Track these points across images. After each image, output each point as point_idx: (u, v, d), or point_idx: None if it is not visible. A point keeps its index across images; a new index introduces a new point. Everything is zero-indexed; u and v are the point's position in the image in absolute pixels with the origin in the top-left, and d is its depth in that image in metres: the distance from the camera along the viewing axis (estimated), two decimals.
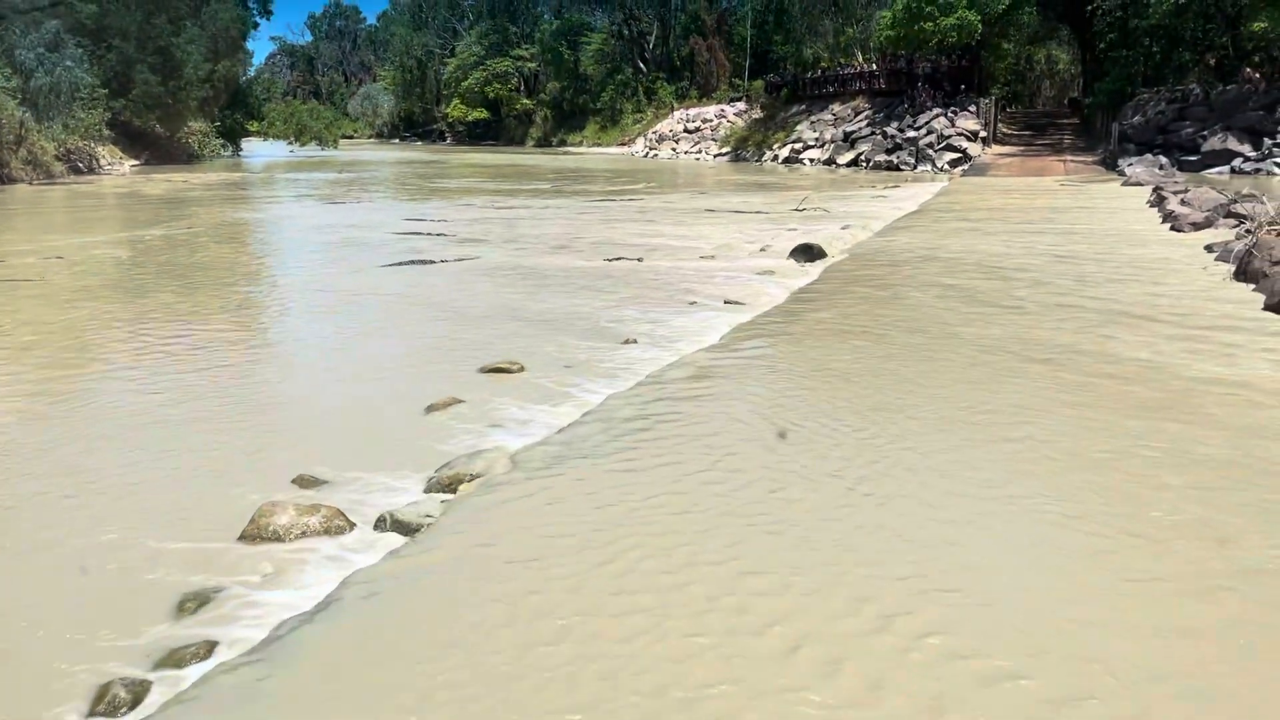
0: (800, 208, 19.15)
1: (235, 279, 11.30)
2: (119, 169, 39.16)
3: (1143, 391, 5.77)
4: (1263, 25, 28.17)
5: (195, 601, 3.47)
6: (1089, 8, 35.73)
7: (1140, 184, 22.29)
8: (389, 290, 10.32)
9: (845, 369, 6.36)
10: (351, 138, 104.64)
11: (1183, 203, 15.65)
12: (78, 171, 35.58)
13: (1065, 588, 3.34)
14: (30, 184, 30.06)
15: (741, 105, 52.66)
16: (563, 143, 75.38)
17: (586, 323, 8.36)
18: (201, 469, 4.82)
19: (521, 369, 6.69)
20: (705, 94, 62.93)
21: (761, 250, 12.92)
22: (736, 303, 9.21)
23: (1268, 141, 26.86)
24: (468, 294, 10.06)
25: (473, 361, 6.96)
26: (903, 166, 35.26)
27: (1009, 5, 36.32)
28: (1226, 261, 10.44)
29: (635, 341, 7.55)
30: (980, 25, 35.99)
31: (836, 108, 42.76)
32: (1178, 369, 6.22)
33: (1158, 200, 17.18)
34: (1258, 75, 28.97)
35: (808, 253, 11.84)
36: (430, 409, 5.75)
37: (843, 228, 15.33)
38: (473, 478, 4.46)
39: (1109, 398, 5.63)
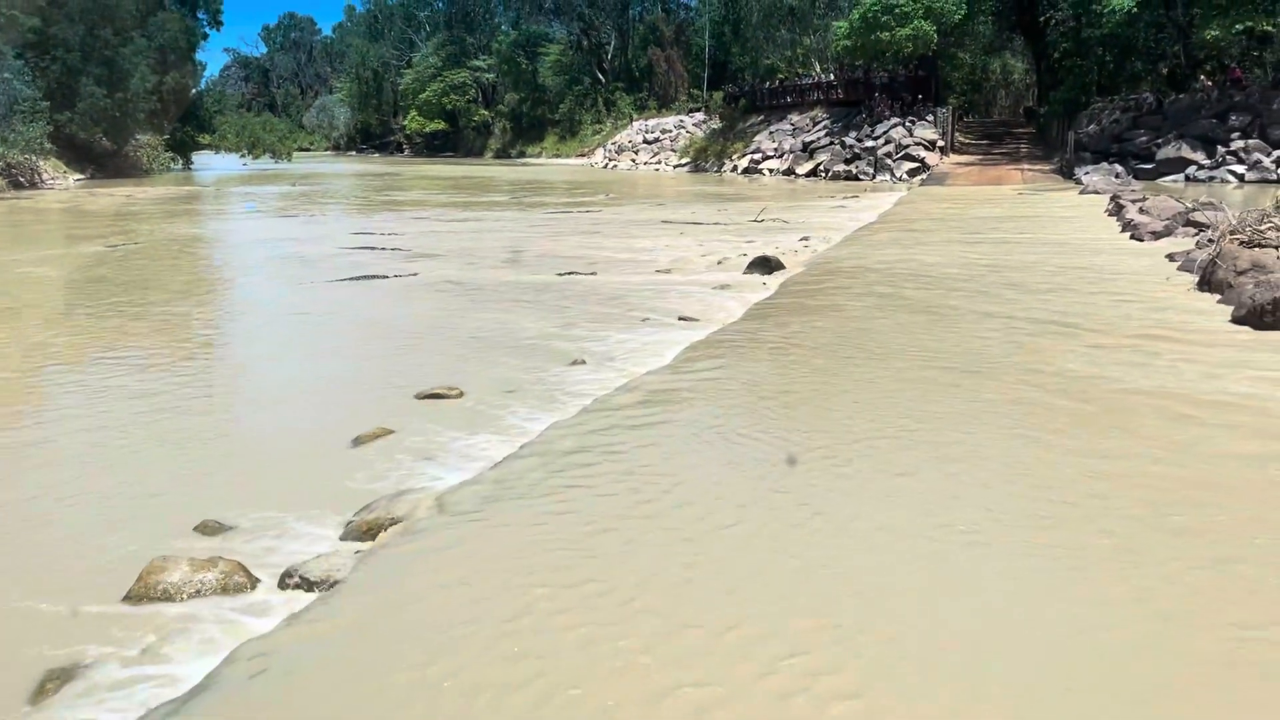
0: (759, 219, 18.87)
1: (165, 298, 10.75)
2: (62, 184, 38.12)
3: (1128, 416, 5.45)
4: (1214, 34, 28.40)
5: (58, 680, 3.01)
6: (1042, 18, 36.00)
7: (1098, 192, 22.27)
8: (328, 308, 9.85)
9: (802, 393, 6.00)
10: (308, 150, 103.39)
11: (1142, 211, 15.54)
12: (18, 186, 34.54)
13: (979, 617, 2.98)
14: None
15: (700, 116, 52.51)
16: (522, 154, 74.84)
17: (534, 342, 7.95)
18: (93, 514, 4.35)
19: (460, 394, 6.26)
20: (664, 105, 62.73)
21: (719, 264, 12.58)
22: (691, 319, 8.84)
23: (1221, 149, 27.04)
24: (410, 312, 9.61)
25: (410, 386, 6.52)
26: (862, 176, 35.20)
27: (964, 15, 36.46)
28: (1190, 271, 10.24)
29: (584, 362, 7.15)
30: (936, 35, 36.09)
31: (795, 118, 42.70)
32: (1161, 389, 5.92)
33: (1116, 209, 17.08)
34: (1210, 84, 29.22)
35: (765, 266, 11.51)
36: (358, 441, 5.31)
37: (801, 239, 15.05)
38: (393, 522, 4.03)
39: (1087, 422, 5.31)
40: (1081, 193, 23.14)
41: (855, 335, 7.68)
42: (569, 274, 11.86)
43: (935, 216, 19.01)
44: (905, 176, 33.88)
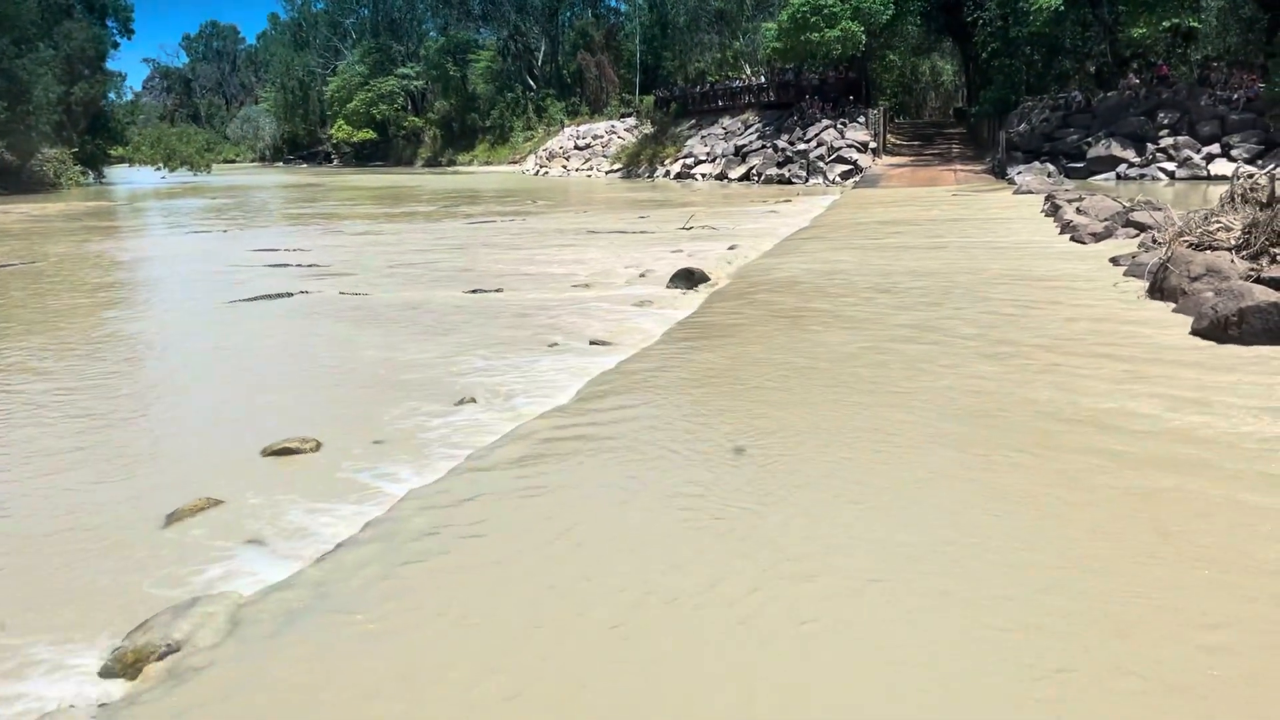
0: (687, 227, 18.07)
1: (11, 326, 9.56)
2: None
3: (1085, 457, 4.67)
4: (1141, 31, 28.35)
5: None
6: (970, 18, 35.81)
7: (1031, 192, 21.87)
8: (194, 337, 8.77)
9: (715, 438, 5.12)
10: (233, 162, 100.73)
11: (1079, 212, 15.02)
12: None
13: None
14: None
15: (632, 121, 51.69)
16: (452, 162, 73.41)
17: (422, 375, 6.99)
18: None
19: (316, 447, 5.28)
20: (596, 110, 61.87)
21: (641, 276, 11.71)
22: (603, 343, 7.94)
23: (1150, 147, 26.93)
24: (284, 340, 8.58)
25: (261, 435, 5.53)
26: (794, 180, 34.65)
27: (891, 17, 36.14)
28: (1137, 276, 9.61)
29: (473, 400, 6.20)
30: (864, 36, 35.72)
31: (726, 121, 42.10)
32: (1123, 417, 5.16)
33: (1053, 209, 16.57)
34: (1138, 81, 29.15)
35: (689, 279, 10.66)
36: (172, 518, 4.31)
37: (729, 248, 14.25)
38: (169, 650, 3.06)
39: (1058, 465, 4.51)
40: (1015, 193, 22.73)
41: (779, 362, 6.84)
42: (476, 291, 10.89)
43: (868, 221, 18.37)
44: (838, 179, 33.39)
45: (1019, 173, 26.71)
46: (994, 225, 16.19)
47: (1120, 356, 6.56)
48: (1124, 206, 14.57)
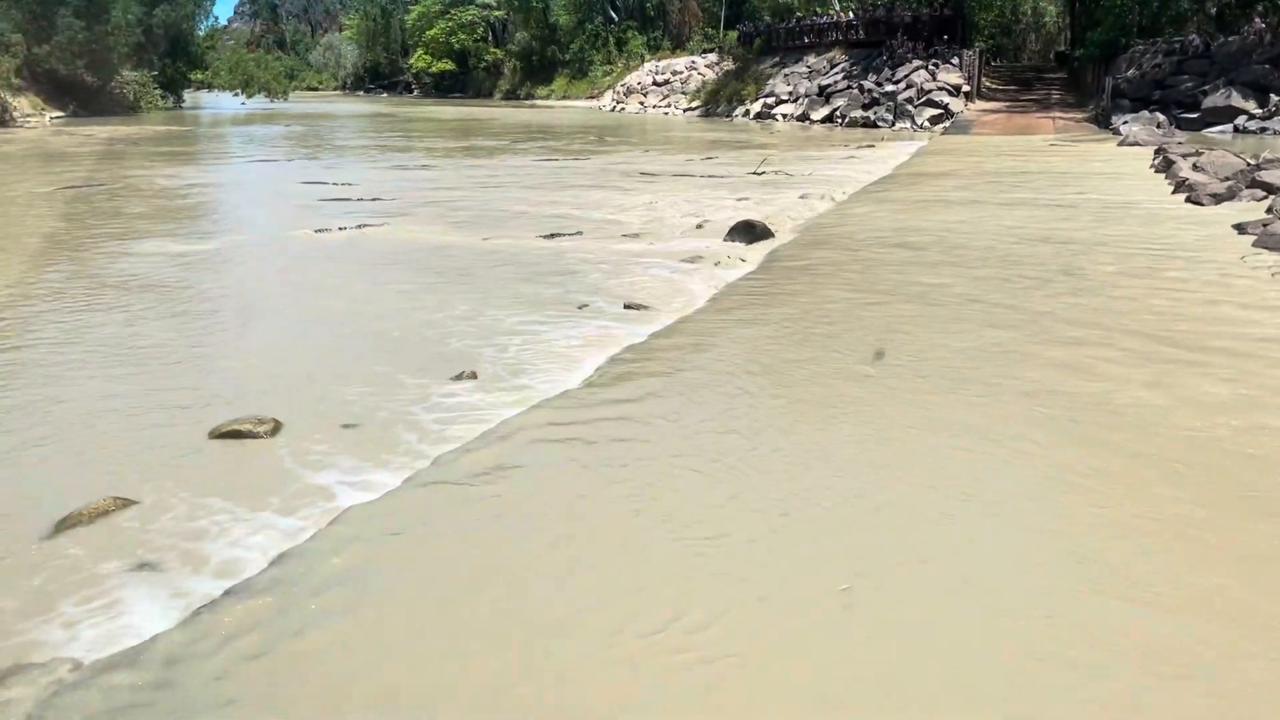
0: (759, 171, 16.85)
1: (31, 258, 8.92)
2: (36, 121, 36.25)
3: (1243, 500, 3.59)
4: None
5: None
6: None
7: (1139, 144, 20.09)
8: (198, 277, 8.00)
9: (739, 450, 4.14)
10: (316, 90, 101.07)
11: (1196, 168, 13.46)
12: None
13: None
14: None
15: (713, 57, 49.87)
16: (530, 95, 72.28)
17: (429, 336, 6.12)
18: None
19: (274, 430, 4.44)
20: (678, 45, 60.00)
21: (698, 227, 10.65)
22: (640, 306, 6.97)
23: (1275, 98, 24.62)
24: (299, 286, 7.79)
25: (220, 406, 4.74)
26: (880, 123, 32.84)
27: None
28: (1270, 249, 8.28)
29: (473, 376, 5.30)
30: None
31: (812, 60, 40.17)
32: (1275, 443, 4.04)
33: (1164, 165, 14.96)
34: (1263, 25, 26.67)
35: (749, 233, 9.58)
36: (63, 525, 3.50)
37: (801, 196, 13.06)
38: None
39: (1180, 505, 3.45)
40: (1120, 144, 20.95)
41: (839, 343, 5.80)
42: (515, 238, 9.97)
43: (957, 171, 16.93)
44: (927, 124, 31.52)
45: (1125, 122, 24.70)
46: (1096, 180, 14.67)
47: (1254, 355, 5.37)
48: (1248, 164, 12.98)
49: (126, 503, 3.67)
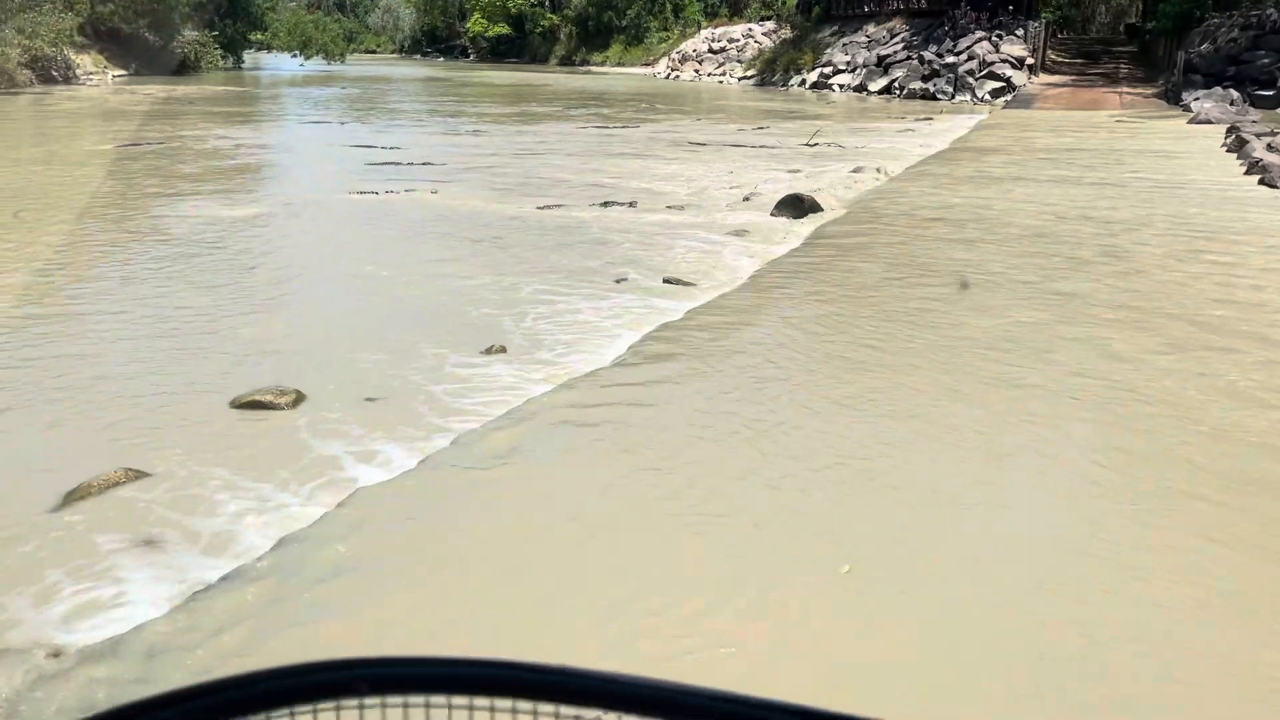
0: (811, 143, 16.48)
1: (77, 217, 8.94)
2: (99, 79, 36.71)
3: None
4: None
5: None
6: None
7: (1210, 121, 19.35)
8: (242, 242, 7.95)
9: (775, 449, 3.95)
10: (374, 52, 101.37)
11: (1271, 149, 12.88)
12: (50, 81, 33.16)
13: None
14: None
15: (771, 25, 49.05)
16: (586, 62, 71.77)
17: (462, 306, 6.00)
18: None
19: (295, 401, 4.35)
20: (736, 13, 59.09)
21: (745, 200, 10.40)
22: (680, 281, 6.78)
23: None
24: (338, 249, 7.72)
25: (244, 375, 4.66)
26: (939, 96, 32.05)
27: None
28: None
29: (503, 350, 5.17)
30: None
31: (871, 29, 39.32)
32: None
33: (1237, 144, 14.35)
34: None
35: (796, 207, 9.32)
36: (72, 496, 3.43)
37: (853, 171, 12.72)
38: None
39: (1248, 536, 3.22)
40: (1191, 121, 20.19)
41: (884, 325, 5.57)
42: (556, 207, 9.80)
43: (1018, 146, 16.41)
44: (988, 97, 30.71)
45: (1196, 99, 23.81)
46: (1165, 159, 14.12)
47: None
48: None
49: (138, 475, 3.60)
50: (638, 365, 4.82)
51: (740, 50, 49.01)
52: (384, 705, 0.63)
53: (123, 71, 40.43)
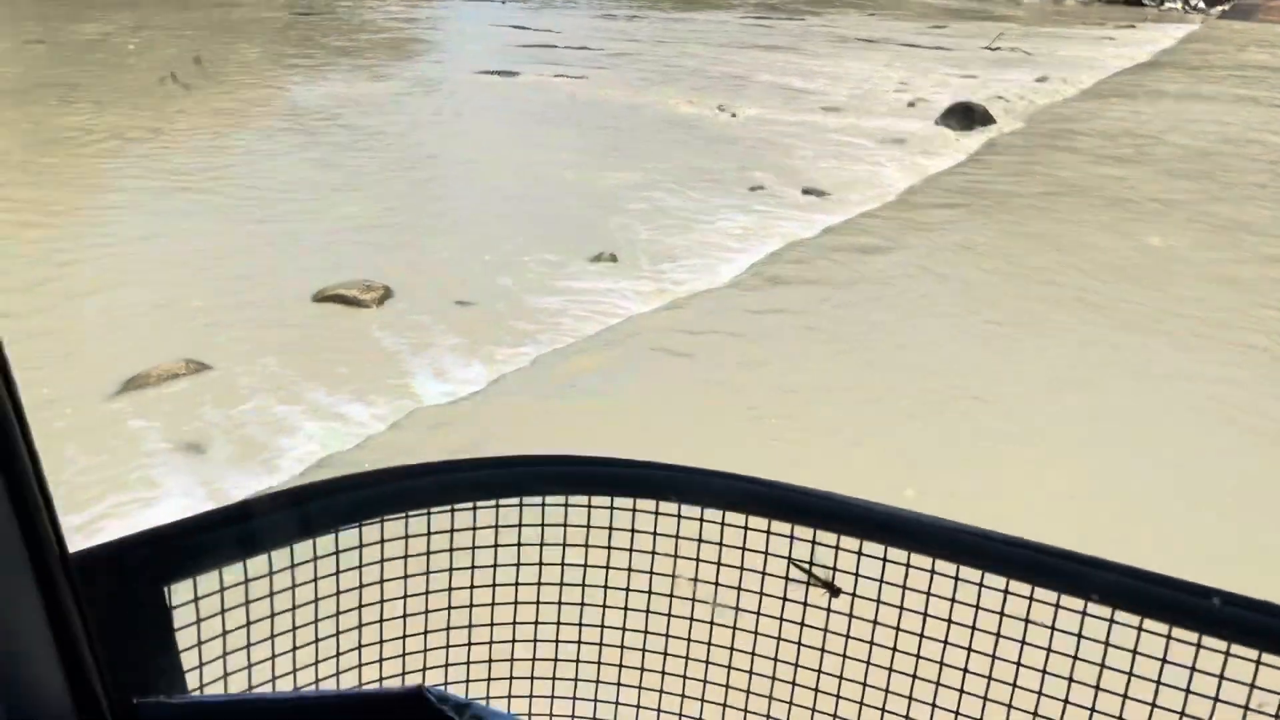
0: (993, 46, 15.11)
1: (213, 85, 8.88)
2: None
3: None
4: None
5: None
6: None
7: None
8: (368, 121, 7.68)
9: (907, 427, 3.41)
10: None
11: None
12: None
13: None
14: None
15: None
16: None
17: (583, 204, 5.61)
18: None
19: (382, 298, 4.07)
20: None
21: (910, 105, 9.51)
22: (819, 192, 6.16)
23: None
24: (455, 141, 7.41)
25: (338, 263, 4.41)
26: (1146, 2, 29.12)
27: None
28: None
29: (614, 259, 4.74)
30: None
31: None
32: None
33: None
34: None
35: (965, 117, 8.42)
36: (131, 384, 3.24)
37: (1037, 79, 11.51)
38: None
39: None
40: None
41: (1055, 262, 4.87)
42: (717, 109, 9.12)
43: (1232, 63, 14.62)
44: (1201, 5, 27.69)
45: None
46: None
47: None
48: None
49: (200, 367, 3.38)
50: (753, 290, 4.32)
51: None
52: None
53: None
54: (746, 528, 0.74)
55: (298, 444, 2.90)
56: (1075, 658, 0.73)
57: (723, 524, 0.72)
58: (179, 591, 0.66)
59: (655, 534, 0.75)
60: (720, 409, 3.19)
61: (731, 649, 0.80)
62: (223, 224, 5.00)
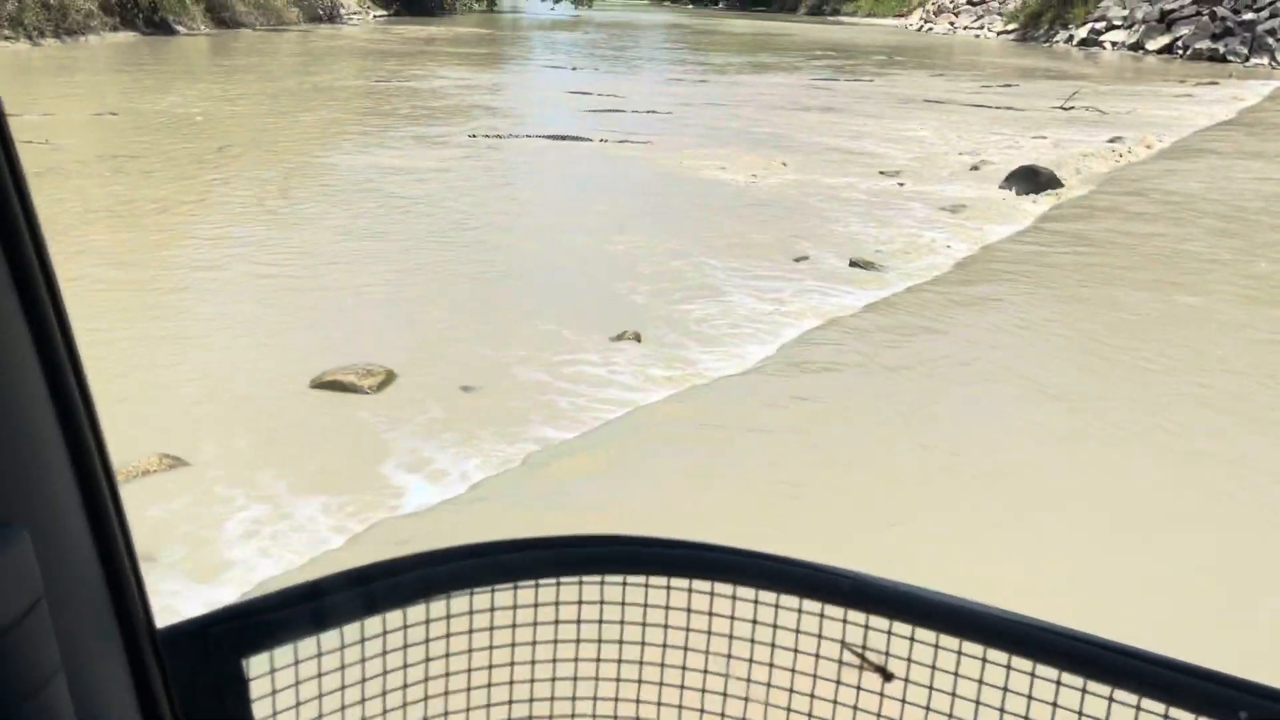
0: (1066, 106, 14.65)
1: (304, 145, 8.94)
2: (360, 18, 38.54)
3: None
4: None
5: None
6: None
7: None
8: (405, 183, 7.59)
9: (950, 536, 3.05)
10: None
11: None
12: (316, 20, 35.05)
13: None
14: (255, 29, 29.56)
15: None
16: (836, 11, 69.07)
17: (610, 277, 5.36)
18: None
19: (380, 384, 3.84)
20: None
21: (973, 169, 9.14)
22: (867, 265, 5.82)
23: None
24: (508, 197, 7.25)
25: (344, 345, 4.22)
26: (1231, 58, 28.30)
27: None
28: None
29: (637, 339, 4.46)
30: None
31: None
32: None
33: None
34: None
35: (1031, 180, 8.02)
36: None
37: (1110, 141, 11.03)
38: None
39: None
40: None
41: (1124, 349, 4.45)
42: (770, 170, 8.86)
43: None
44: None
45: None
46: None
47: None
48: None
49: (175, 463, 3.17)
50: (779, 375, 3.99)
51: (1002, 1, 45.45)
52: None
53: (384, 11, 42.24)
54: (800, 610, 0.77)
55: (263, 563, 2.65)
56: None
57: (776, 606, 0.75)
58: (255, 665, 0.68)
59: (716, 614, 0.78)
60: (720, 503, 2.87)
61: None
62: (238, 302, 4.87)
